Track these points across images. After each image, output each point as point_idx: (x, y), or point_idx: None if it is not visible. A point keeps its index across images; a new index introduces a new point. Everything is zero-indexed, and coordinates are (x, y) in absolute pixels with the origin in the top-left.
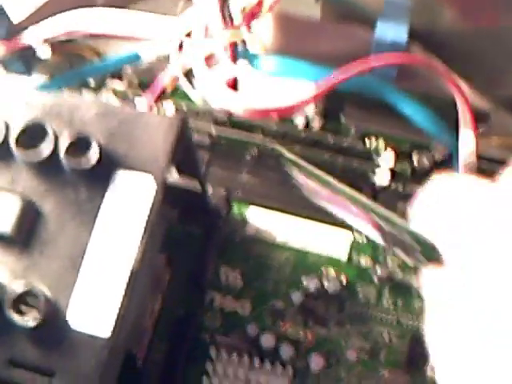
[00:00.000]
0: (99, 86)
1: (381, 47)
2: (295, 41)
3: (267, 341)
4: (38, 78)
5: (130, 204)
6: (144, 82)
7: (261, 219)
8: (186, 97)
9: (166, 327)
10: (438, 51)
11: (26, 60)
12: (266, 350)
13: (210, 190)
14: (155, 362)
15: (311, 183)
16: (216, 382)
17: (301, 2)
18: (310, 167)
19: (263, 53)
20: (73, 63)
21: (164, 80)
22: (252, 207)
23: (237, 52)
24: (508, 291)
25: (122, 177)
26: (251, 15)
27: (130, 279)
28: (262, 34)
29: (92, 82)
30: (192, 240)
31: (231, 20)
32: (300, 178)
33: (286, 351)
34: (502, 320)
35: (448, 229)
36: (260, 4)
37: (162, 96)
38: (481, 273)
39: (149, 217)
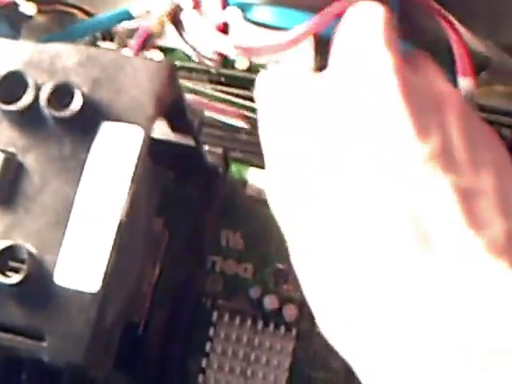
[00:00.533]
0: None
1: None
2: None
3: (270, 303)
4: (25, 40)
5: (116, 156)
6: None
7: (261, 179)
8: (176, 54)
9: (166, 293)
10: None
11: (10, 19)
12: (269, 312)
13: (206, 148)
14: (156, 328)
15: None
16: (219, 347)
17: None
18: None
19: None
20: (61, 24)
21: (150, 23)
22: (252, 169)
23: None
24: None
25: (107, 128)
26: None
27: (117, 231)
28: None
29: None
30: (190, 202)
31: None
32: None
33: (290, 313)
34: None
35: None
36: None
37: (148, 44)
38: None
39: (136, 168)
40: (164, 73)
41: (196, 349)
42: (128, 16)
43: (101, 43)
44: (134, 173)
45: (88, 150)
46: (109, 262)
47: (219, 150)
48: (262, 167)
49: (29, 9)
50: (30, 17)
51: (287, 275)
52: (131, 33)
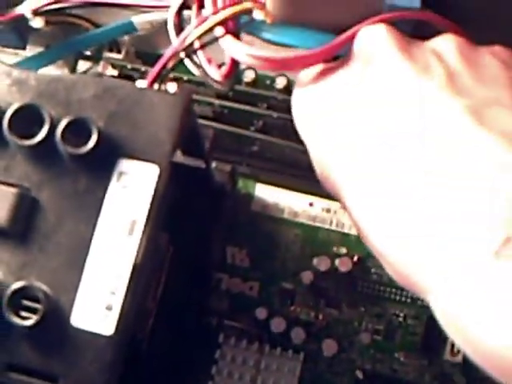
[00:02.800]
0: (95, 58)
1: None
2: (301, 8)
3: (277, 325)
4: (33, 50)
5: (132, 195)
6: (141, 52)
7: (268, 195)
8: (186, 69)
9: (170, 310)
10: (450, 16)
11: (19, 31)
12: (276, 334)
13: (213, 165)
14: (160, 346)
15: None
16: (225, 369)
17: None
18: None
19: (269, 21)
20: (68, 34)
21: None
22: (259, 184)
23: (239, 22)
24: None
25: (123, 166)
26: None
27: (132, 274)
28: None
29: (88, 53)
30: (196, 219)
31: None
32: None
33: (298, 335)
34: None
35: None
36: None
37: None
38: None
39: (151, 208)
40: (181, 106)
41: (202, 371)
42: (132, 27)
43: (107, 54)
44: (150, 214)
45: (104, 188)
46: (123, 304)
47: (227, 168)
48: (269, 183)
49: (37, 22)
50: (38, 28)
51: (293, 295)
52: (137, 42)
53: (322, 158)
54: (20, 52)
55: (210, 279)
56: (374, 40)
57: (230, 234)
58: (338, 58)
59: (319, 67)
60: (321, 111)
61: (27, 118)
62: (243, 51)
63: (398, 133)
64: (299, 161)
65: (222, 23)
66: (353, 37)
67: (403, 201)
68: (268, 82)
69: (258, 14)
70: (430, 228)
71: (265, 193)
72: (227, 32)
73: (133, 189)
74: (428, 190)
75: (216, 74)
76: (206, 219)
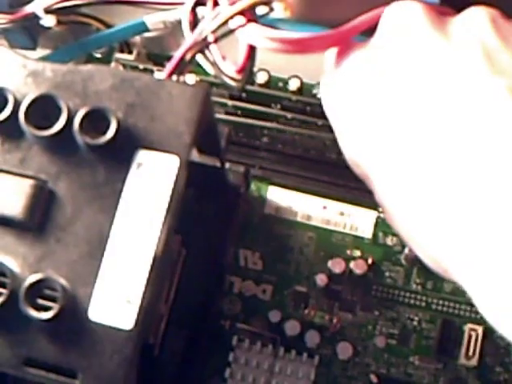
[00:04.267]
0: (106, 59)
1: None
2: (319, 6)
3: (291, 328)
4: (43, 51)
5: (151, 186)
6: (153, 53)
7: (281, 197)
8: (200, 68)
9: (182, 314)
10: None
11: (29, 31)
12: (290, 337)
13: (227, 166)
14: (173, 350)
15: None
16: (238, 372)
17: None
18: None
19: (289, 15)
20: (78, 35)
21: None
22: (271, 186)
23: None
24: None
25: (142, 157)
26: None
27: (152, 266)
28: None
29: (98, 55)
30: (209, 221)
31: None
32: None
33: (312, 339)
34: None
35: None
36: None
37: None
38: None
39: (171, 200)
40: (200, 98)
41: (215, 374)
42: (144, 27)
43: (118, 54)
44: (170, 205)
45: (123, 179)
46: (143, 297)
47: (241, 169)
48: (282, 185)
49: (49, 21)
50: (49, 28)
51: (307, 298)
52: (149, 44)
53: (352, 142)
54: (30, 53)
55: (222, 282)
56: (406, 17)
57: (243, 236)
58: None
59: (345, 48)
60: (351, 93)
61: (44, 109)
62: (264, 35)
63: (435, 116)
64: (312, 161)
65: (240, 13)
66: (374, 18)
67: (435, 185)
68: (281, 84)
69: (277, 6)
70: (462, 212)
71: (278, 195)
72: (248, 20)
73: (152, 180)
74: (463, 175)
75: (231, 69)
76: (218, 221)
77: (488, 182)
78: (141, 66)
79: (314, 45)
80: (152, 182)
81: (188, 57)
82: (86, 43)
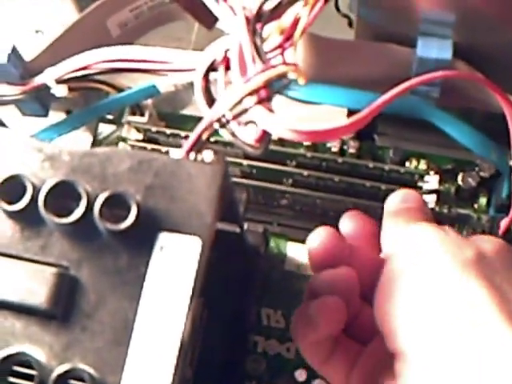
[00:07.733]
0: (117, 121)
1: (424, 65)
2: (329, 65)
3: None
4: (55, 114)
5: (175, 270)
6: (164, 113)
7: (300, 253)
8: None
9: (207, 375)
10: (481, 66)
11: (41, 100)
12: None
13: (245, 227)
14: None
15: None
16: None
17: (333, 27)
18: None
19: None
20: (88, 98)
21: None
22: (290, 242)
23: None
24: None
25: (164, 240)
26: (286, 40)
27: (179, 352)
28: (297, 60)
29: (109, 117)
30: (230, 281)
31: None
32: None
33: None
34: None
35: None
36: (294, 26)
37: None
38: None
39: (195, 283)
40: (219, 176)
41: None
42: (155, 91)
43: (130, 117)
44: (194, 287)
45: (145, 263)
46: (173, 382)
47: (259, 229)
48: (301, 241)
49: (60, 91)
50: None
51: None
52: (159, 104)
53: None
54: (42, 120)
55: (246, 342)
56: (424, 244)
57: (264, 295)
58: None
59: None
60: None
61: (62, 195)
62: (276, 123)
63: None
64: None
65: (255, 92)
66: (380, 106)
67: None
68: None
69: (292, 76)
70: None
71: (297, 251)
72: (259, 101)
73: (175, 263)
74: None
75: (249, 138)
76: (239, 282)
77: None
78: (153, 129)
79: (329, 135)
80: (175, 265)
81: (205, 137)
82: (97, 108)
